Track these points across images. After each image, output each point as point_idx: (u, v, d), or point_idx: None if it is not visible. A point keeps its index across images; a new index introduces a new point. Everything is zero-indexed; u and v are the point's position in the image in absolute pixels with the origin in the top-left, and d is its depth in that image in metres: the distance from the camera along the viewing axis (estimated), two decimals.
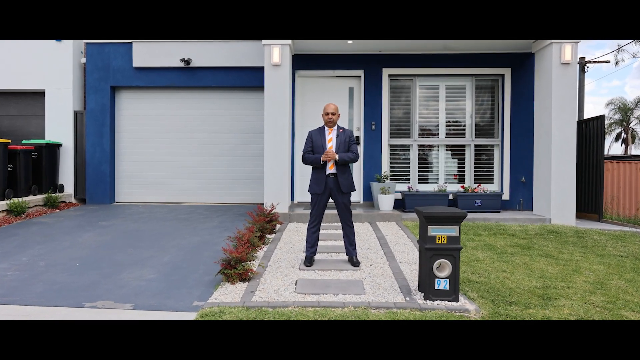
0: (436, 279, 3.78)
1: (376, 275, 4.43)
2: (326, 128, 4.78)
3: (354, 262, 4.72)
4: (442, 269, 3.78)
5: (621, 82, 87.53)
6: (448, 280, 3.77)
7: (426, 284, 3.81)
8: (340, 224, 5.03)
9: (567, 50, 7.07)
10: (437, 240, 3.76)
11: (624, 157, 16.90)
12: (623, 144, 39.56)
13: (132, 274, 4.56)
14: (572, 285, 4.29)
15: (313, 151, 4.76)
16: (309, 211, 4.87)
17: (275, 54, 7.21)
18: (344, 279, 4.33)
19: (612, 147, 39.05)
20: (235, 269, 4.21)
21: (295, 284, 4.17)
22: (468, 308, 3.62)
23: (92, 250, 5.50)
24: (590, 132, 8.32)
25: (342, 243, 5.51)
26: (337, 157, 4.60)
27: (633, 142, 38.31)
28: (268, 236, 6.07)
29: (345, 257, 4.99)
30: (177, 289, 4.14)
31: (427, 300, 3.75)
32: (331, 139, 4.73)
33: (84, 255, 5.25)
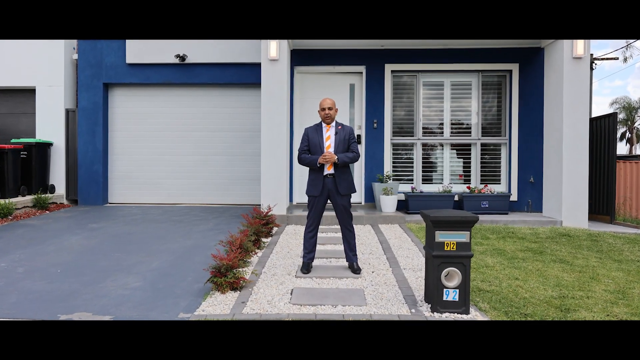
0: (444, 289, 3.44)
1: (378, 284, 4.10)
2: (324, 125, 4.44)
3: (354, 268, 4.39)
4: (451, 278, 3.45)
5: (624, 82, 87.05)
6: (457, 290, 3.43)
7: (433, 295, 3.48)
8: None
9: (579, 44, 6.73)
10: (445, 247, 3.43)
11: (631, 157, 16.51)
12: (628, 144, 39.17)
13: (116, 282, 4.24)
14: (591, 294, 3.95)
15: (309, 150, 4.42)
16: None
17: (272, 48, 6.89)
18: (343, 288, 4.00)
19: (617, 146, 38.61)
20: (226, 277, 3.88)
21: (291, 294, 3.85)
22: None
23: (76, 255, 5.18)
24: (601, 130, 7.97)
25: (342, 247, 5.18)
26: (336, 159, 4.27)
27: (638, 141, 37.90)
28: (264, 240, 5.74)
29: (345, 263, 4.66)
30: (162, 299, 3.82)
31: (435, 313, 3.42)
32: (329, 137, 4.39)
33: (67, 261, 4.93)
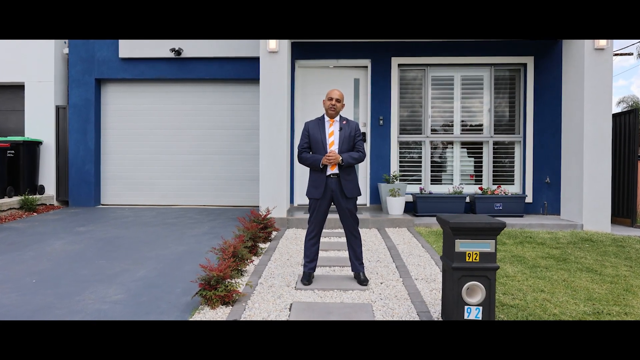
0: (465, 307, 2.99)
1: (388, 297, 3.65)
2: (326, 119, 3.98)
3: (360, 279, 3.93)
4: (473, 294, 2.99)
5: (627, 81, 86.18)
6: (481, 308, 2.97)
7: (452, 312, 3.02)
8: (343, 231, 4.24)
9: None
10: (467, 258, 2.97)
11: None
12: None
13: (95, 294, 3.80)
14: (628, 310, 3.49)
15: (310, 147, 3.97)
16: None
17: (271, 40, 6.44)
18: (349, 302, 3.55)
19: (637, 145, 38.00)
20: (216, 289, 3.44)
21: (290, 309, 3.40)
22: None
23: (57, 262, 4.75)
24: (621, 127, 7.49)
25: (346, 254, 4.73)
26: (340, 159, 3.83)
27: None
28: (261, 246, 5.30)
29: (350, 272, 4.21)
30: (144, 315, 3.38)
31: None
32: (332, 133, 3.94)
33: (46, 269, 4.49)
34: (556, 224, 6.48)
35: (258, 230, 5.23)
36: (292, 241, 5.64)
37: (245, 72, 8.36)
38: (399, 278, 4.13)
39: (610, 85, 6.29)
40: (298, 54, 7.64)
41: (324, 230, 5.77)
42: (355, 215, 3.98)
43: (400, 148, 7.78)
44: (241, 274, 4.17)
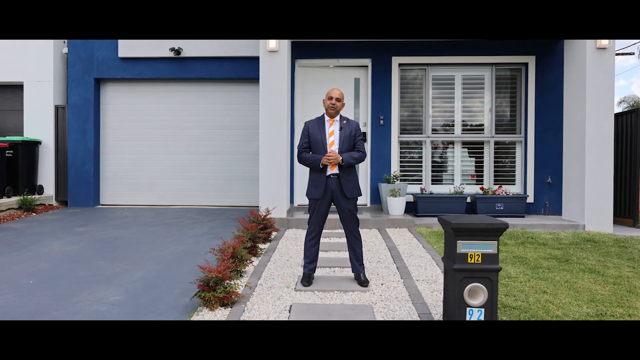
0: (467, 308, 2.95)
1: (389, 299, 3.61)
2: (327, 118, 3.95)
3: (361, 280, 3.90)
4: (476, 295, 2.95)
5: (628, 81, 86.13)
6: (483, 310, 2.94)
7: (454, 314, 2.98)
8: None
9: None
10: (469, 259, 2.93)
11: None
12: None
13: (93, 295, 3.77)
14: (632, 312, 3.46)
15: (310, 147, 3.93)
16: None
17: (271, 39, 6.40)
18: (349, 304, 3.51)
19: None
20: (215, 291, 3.40)
21: (289, 311, 3.36)
22: None
23: (55, 263, 4.71)
24: (623, 127, 7.44)
25: (346, 255, 4.70)
26: (340, 159, 3.79)
27: None
28: (261, 246, 5.26)
29: (350, 273, 4.17)
30: (142, 317, 3.34)
31: None
32: (332, 132, 3.90)
33: (44, 270, 4.46)
34: (558, 224, 6.44)
35: (258, 231, 5.19)
36: (292, 242, 5.61)
37: (245, 71, 8.32)
38: (399, 279, 4.10)
39: (612, 84, 6.25)
40: (298, 53, 7.60)
41: (324, 231, 5.74)
42: (355, 215, 3.94)
43: (400, 148, 7.74)
44: (240, 275, 4.13)
